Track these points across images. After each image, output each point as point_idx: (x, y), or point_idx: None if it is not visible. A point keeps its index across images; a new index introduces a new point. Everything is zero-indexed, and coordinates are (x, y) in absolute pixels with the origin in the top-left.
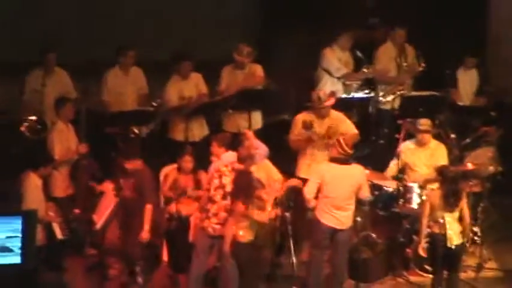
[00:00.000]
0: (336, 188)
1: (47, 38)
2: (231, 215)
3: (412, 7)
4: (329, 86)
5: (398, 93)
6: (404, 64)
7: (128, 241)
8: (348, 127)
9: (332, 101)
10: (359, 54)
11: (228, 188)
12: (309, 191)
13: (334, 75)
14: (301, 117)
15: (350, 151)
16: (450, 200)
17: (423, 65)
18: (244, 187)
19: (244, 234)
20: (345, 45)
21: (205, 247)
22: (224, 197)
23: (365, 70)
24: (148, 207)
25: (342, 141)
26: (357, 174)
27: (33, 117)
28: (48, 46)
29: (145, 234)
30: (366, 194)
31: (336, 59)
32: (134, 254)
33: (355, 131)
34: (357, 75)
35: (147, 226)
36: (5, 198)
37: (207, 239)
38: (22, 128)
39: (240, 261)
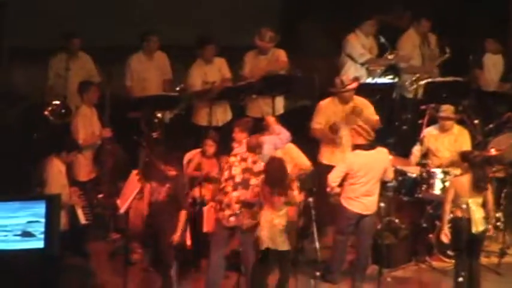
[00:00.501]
0: (365, 175)
1: (70, 23)
2: (266, 207)
3: None
4: (352, 72)
5: (423, 82)
6: (428, 52)
7: (160, 244)
8: (371, 113)
9: (355, 84)
10: (383, 40)
11: (238, 179)
12: (333, 179)
13: (358, 61)
14: (324, 103)
15: (373, 135)
16: (480, 185)
17: (448, 51)
18: (279, 177)
19: (280, 221)
20: (369, 31)
21: (223, 237)
22: (235, 188)
23: (388, 56)
24: (183, 213)
25: (365, 127)
26: (382, 158)
27: (57, 102)
28: (72, 31)
29: (177, 238)
30: (390, 176)
31: (359, 44)
32: (168, 256)
33: (376, 117)
34: (380, 61)
35: (180, 231)
36: (28, 182)
37: (223, 230)
38: (46, 113)
39: None
